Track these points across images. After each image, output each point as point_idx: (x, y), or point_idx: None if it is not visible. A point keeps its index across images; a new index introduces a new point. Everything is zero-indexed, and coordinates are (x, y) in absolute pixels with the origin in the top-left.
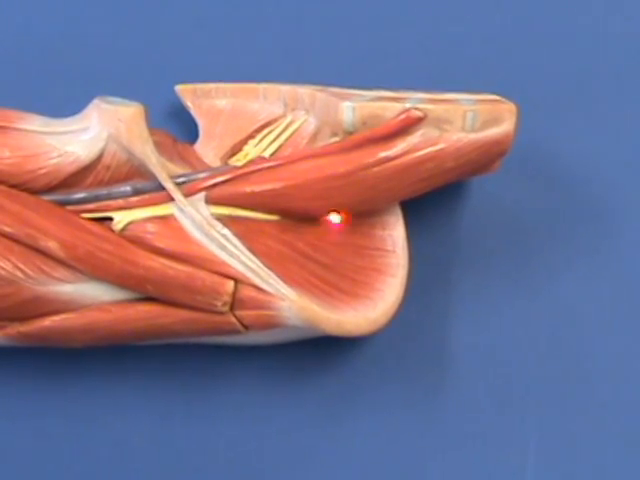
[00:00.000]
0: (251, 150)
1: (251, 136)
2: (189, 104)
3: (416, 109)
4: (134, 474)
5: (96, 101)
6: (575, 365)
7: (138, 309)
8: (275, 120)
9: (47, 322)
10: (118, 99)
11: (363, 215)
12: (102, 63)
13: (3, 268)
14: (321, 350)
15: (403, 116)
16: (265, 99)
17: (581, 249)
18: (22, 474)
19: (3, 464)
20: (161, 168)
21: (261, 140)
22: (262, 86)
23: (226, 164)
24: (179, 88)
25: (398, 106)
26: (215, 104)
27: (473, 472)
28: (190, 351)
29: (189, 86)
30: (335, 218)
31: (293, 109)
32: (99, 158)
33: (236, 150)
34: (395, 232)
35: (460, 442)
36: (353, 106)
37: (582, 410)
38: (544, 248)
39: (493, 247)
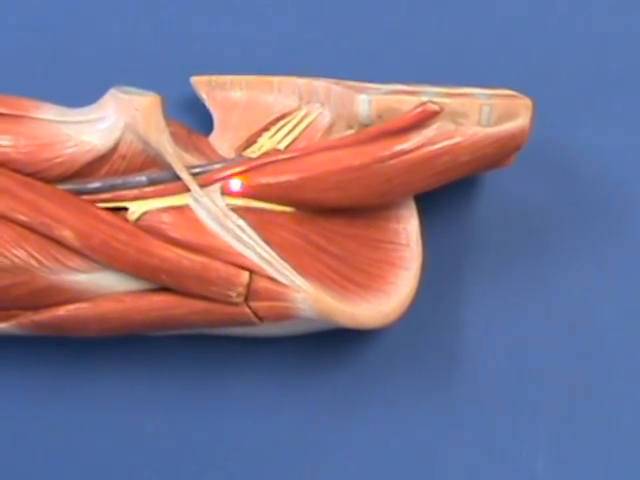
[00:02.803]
0: (266, 142)
1: (266, 128)
2: (204, 96)
3: (432, 103)
4: (145, 465)
5: (113, 91)
6: (586, 357)
7: (152, 299)
8: (290, 113)
9: (61, 311)
10: (134, 89)
11: (378, 208)
12: (117, 55)
13: (17, 257)
14: (334, 343)
15: (419, 109)
16: (280, 92)
17: (593, 243)
18: (31, 465)
19: (14, 454)
20: (177, 158)
21: (276, 132)
22: (277, 79)
23: (240, 156)
24: (194, 80)
25: (414, 99)
26: (230, 96)
27: (484, 464)
28: (203, 343)
29: (204, 78)
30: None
31: (308, 102)
32: (115, 148)
33: (250, 142)
34: (409, 226)
35: (471, 434)
36: (369, 99)
37: (593, 402)
38: (556, 242)
39: (506, 241)
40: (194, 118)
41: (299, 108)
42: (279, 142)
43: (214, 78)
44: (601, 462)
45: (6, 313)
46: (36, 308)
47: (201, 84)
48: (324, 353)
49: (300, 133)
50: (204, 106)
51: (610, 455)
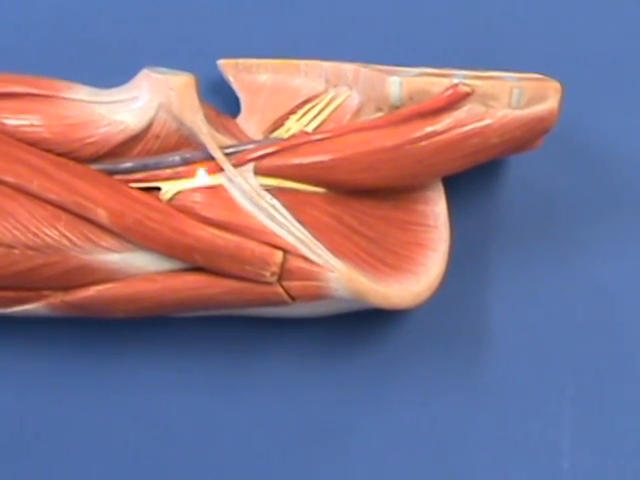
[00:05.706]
0: (293, 125)
1: (292, 111)
2: (231, 79)
3: (463, 84)
4: (175, 447)
5: (145, 71)
6: (612, 339)
7: (185, 279)
8: (316, 96)
9: (92, 291)
10: (166, 69)
11: (406, 190)
12: (145, 38)
13: (50, 236)
14: (362, 324)
15: (451, 91)
16: (306, 75)
17: (618, 226)
18: (59, 446)
19: (42, 435)
20: (211, 138)
21: (303, 115)
22: (303, 62)
23: (272, 137)
24: (221, 63)
25: (445, 81)
26: (256, 79)
27: (510, 444)
28: (232, 324)
29: (231, 61)
30: None
31: (335, 85)
32: (149, 127)
33: (278, 125)
34: (437, 207)
35: (498, 414)
36: (400, 81)
37: (619, 384)
38: (582, 225)
39: (532, 223)
40: (221, 101)
41: (326, 91)
42: (306, 125)
43: (241, 61)
44: (628, 444)
45: (37, 293)
46: (67, 288)
47: (228, 67)
48: (352, 334)
49: (328, 116)
50: (231, 89)
51: (637, 436)
